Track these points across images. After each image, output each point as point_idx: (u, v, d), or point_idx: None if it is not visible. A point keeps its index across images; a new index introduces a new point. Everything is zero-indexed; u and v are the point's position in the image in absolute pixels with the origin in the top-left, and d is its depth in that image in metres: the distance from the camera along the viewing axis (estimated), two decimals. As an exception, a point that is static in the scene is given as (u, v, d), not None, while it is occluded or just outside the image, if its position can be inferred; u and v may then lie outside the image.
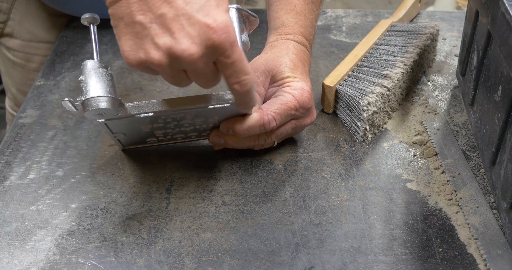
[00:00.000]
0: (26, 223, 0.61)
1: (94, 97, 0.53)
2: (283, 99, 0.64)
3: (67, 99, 0.54)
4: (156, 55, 0.48)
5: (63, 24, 0.97)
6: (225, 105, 0.59)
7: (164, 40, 0.48)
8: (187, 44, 0.48)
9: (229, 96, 0.59)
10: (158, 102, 0.59)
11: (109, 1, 0.50)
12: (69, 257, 0.58)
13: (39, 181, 0.66)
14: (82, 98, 0.54)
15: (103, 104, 0.54)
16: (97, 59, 0.55)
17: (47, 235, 0.60)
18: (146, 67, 0.51)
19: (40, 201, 0.64)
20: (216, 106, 0.59)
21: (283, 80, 0.66)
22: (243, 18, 0.59)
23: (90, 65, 0.55)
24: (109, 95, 0.54)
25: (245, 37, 0.56)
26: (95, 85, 0.54)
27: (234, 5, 0.57)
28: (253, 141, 0.66)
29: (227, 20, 0.48)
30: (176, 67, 0.50)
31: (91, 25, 0.53)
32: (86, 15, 0.53)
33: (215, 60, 0.50)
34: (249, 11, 0.59)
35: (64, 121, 0.75)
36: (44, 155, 0.70)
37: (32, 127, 0.75)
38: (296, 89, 0.65)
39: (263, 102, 0.67)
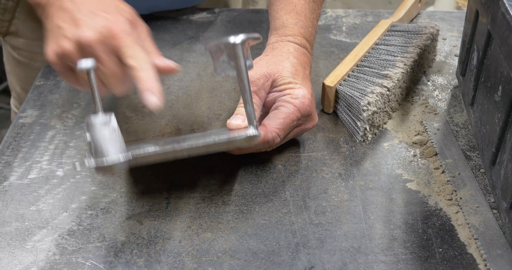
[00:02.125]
0: (26, 223, 0.61)
1: (103, 158, 0.54)
2: (285, 111, 0.64)
3: (77, 162, 0.58)
4: (66, 44, 0.58)
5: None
6: (238, 139, 0.59)
7: (71, 32, 0.58)
8: (88, 33, 0.57)
9: (243, 135, 0.58)
10: (166, 142, 0.59)
11: (43, 18, 0.63)
12: (69, 257, 0.58)
13: (39, 181, 0.66)
14: (92, 160, 0.54)
15: (112, 162, 0.54)
16: (100, 109, 0.55)
17: (47, 235, 0.60)
18: (62, 60, 0.59)
19: (40, 201, 0.64)
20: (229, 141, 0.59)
21: (284, 85, 0.67)
22: (247, 44, 0.60)
23: (94, 121, 0.55)
24: (120, 154, 0.54)
25: (249, 62, 0.57)
26: (102, 144, 0.54)
27: (240, 38, 0.56)
28: (254, 150, 0.67)
29: (123, 20, 0.59)
30: (83, 56, 0.57)
31: (90, 73, 0.53)
32: (83, 65, 0.53)
33: (115, 48, 0.57)
34: (252, 36, 0.59)
35: (64, 121, 0.75)
36: (44, 155, 0.70)
37: (32, 127, 0.75)
38: (297, 98, 0.65)
39: (263, 105, 0.68)
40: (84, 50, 0.57)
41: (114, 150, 0.54)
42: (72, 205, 0.64)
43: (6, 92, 1.15)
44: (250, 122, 0.58)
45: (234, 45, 0.56)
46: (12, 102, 1.09)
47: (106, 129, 0.55)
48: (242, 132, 0.58)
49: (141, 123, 0.75)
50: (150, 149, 0.57)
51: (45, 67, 0.86)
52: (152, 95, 0.56)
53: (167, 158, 0.57)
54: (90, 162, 0.53)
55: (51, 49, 0.59)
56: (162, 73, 0.61)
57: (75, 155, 0.70)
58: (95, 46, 0.57)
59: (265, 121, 0.64)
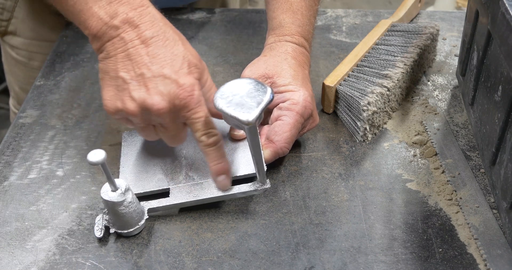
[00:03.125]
0: (26, 223, 0.61)
1: (125, 230, 0.59)
2: (289, 122, 0.64)
3: (100, 235, 0.59)
4: (131, 105, 0.56)
5: (63, 24, 0.97)
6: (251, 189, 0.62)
7: (139, 94, 0.56)
8: (158, 100, 0.55)
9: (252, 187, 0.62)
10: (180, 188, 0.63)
11: (100, 56, 0.58)
12: (69, 257, 0.58)
13: (39, 181, 0.66)
14: (113, 231, 0.60)
15: (134, 233, 0.60)
16: (116, 187, 0.57)
17: (47, 235, 0.60)
18: (122, 115, 0.58)
19: (40, 201, 0.64)
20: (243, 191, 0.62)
21: (283, 87, 0.66)
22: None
23: (111, 200, 0.56)
24: (137, 226, 0.59)
25: (262, 114, 0.56)
26: (122, 220, 0.58)
27: (270, 92, 0.55)
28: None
29: (193, 83, 0.56)
30: (147, 119, 0.57)
31: (101, 165, 0.54)
32: (93, 160, 0.52)
33: (182, 117, 0.57)
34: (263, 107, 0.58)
35: (64, 121, 0.75)
36: (44, 155, 0.70)
37: (32, 127, 0.75)
38: (298, 103, 0.65)
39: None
40: (149, 114, 0.56)
41: (134, 222, 0.59)
42: (72, 205, 0.64)
43: (6, 92, 1.15)
44: (262, 181, 0.61)
45: (248, 126, 0.54)
46: (11, 101, 1.10)
47: (122, 206, 0.57)
48: (256, 185, 0.61)
49: (141, 123, 0.75)
50: (167, 203, 0.61)
51: (45, 67, 0.86)
52: (223, 176, 0.60)
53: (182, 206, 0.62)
54: (114, 229, 0.59)
55: (113, 105, 0.57)
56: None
57: (75, 155, 0.70)
58: (164, 115, 0.56)
59: (273, 136, 0.64)
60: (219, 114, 0.60)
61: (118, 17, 0.57)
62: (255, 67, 0.68)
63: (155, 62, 0.56)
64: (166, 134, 0.60)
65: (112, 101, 0.57)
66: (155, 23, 0.58)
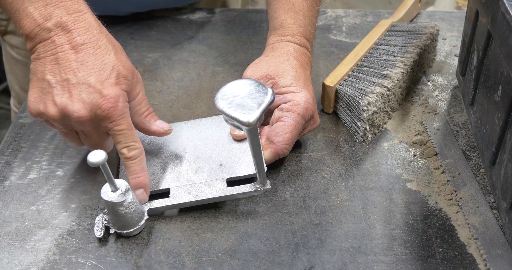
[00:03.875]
0: (26, 223, 0.61)
1: (125, 231, 0.59)
2: (290, 123, 0.64)
3: (100, 236, 0.59)
4: (52, 110, 0.56)
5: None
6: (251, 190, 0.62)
7: (62, 99, 0.56)
8: (79, 107, 0.56)
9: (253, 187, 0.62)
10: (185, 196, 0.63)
11: (32, 57, 0.59)
12: (69, 257, 0.58)
13: (39, 181, 0.66)
14: (115, 230, 0.60)
15: (134, 233, 0.60)
16: (116, 188, 0.57)
17: (47, 235, 0.60)
18: (43, 118, 0.58)
19: (40, 201, 0.64)
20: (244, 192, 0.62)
21: (285, 88, 0.66)
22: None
23: (111, 200, 0.56)
24: (137, 226, 0.60)
25: (262, 115, 0.55)
26: (122, 220, 0.58)
27: (270, 93, 0.55)
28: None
29: (118, 94, 0.57)
30: (67, 125, 0.58)
31: (102, 166, 0.54)
32: (94, 160, 0.52)
33: (104, 128, 0.58)
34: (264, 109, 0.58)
35: (64, 121, 0.75)
36: (44, 155, 0.70)
37: (32, 127, 0.75)
38: (299, 105, 0.65)
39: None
40: (69, 120, 0.57)
41: (134, 222, 0.59)
42: (72, 205, 0.64)
43: (6, 92, 1.15)
44: (262, 181, 0.61)
45: (249, 127, 0.53)
46: (12, 101, 1.10)
47: (122, 207, 0.57)
48: (257, 186, 0.61)
49: (141, 123, 0.75)
50: (167, 203, 0.61)
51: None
52: (140, 190, 0.60)
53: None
54: (114, 229, 0.59)
55: (36, 107, 0.57)
56: (154, 135, 0.65)
57: (75, 155, 0.70)
58: (84, 123, 0.57)
59: (273, 137, 0.64)
60: (150, 131, 0.63)
61: (51, 20, 0.57)
62: (257, 67, 0.68)
63: (83, 69, 0.56)
64: (88, 142, 0.60)
65: (35, 103, 0.57)
66: (89, 30, 0.58)
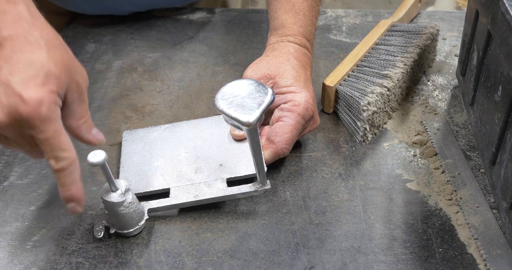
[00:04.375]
0: (26, 223, 0.61)
1: (125, 231, 0.59)
2: (290, 123, 0.64)
3: (100, 236, 0.59)
4: None
5: (63, 24, 0.97)
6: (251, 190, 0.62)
7: None
8: None
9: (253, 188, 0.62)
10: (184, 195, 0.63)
11: None
12: (69, 257, 0.58)
13: (39, 181, 0.66)
14: (114, 230, 0.60)
15: (134, 233, 0.60)
16: (116, 188, 0.57)
17: (47, 235, 0.60)
18: None
19: (40, 201, 0.64)
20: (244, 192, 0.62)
21: (285, 88, 0.66)
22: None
23: (111, 200, 0.56)
24: (137, 226, 0.60)
25: (262, 116, 0.55)
26: (122, 220, 0.58)
27: (270, 93, 0.54)
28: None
29: (42, 98, 0.48)
30: None
31: (102, 166, 0.53)
32: (93, 161, 0.52)
33: (28, 135, 0.50)
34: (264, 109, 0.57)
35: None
36: (44, 155, 0.70)
37: (32, 127, 0.74)
38: (300, 105, 0.65)
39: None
40: None
41: (134, 222, 0.59)
42: (72, 205, 0.64)
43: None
44: (262, 181, 0.61)
45: (249, 127, 0.53)
46: None
47: (122, 207, 0.57)
48: (257, 186, 0.61)
49: (141, 123, 0.75)
50: (167, 203, 0.61)
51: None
52: (72, 204, 0.53)
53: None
54: (114, 229, 0.59)
55: None
56: (86, 143, 0.57)
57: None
58: (4, 129, 0.49)
59: (273, 137, 0.64)
60: (84, 140, 0.56)
61: None
62: (258, 67, 0.68)
63: (6, 67, 0.49)
64: (19, 149, 0.53)
65: None
66: (19, 23, 0.50)
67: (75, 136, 0.56)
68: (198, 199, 0.61)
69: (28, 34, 0.50)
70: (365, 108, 0.68)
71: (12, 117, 0.48)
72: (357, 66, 0.76)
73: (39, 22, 0.52)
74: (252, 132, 0.54)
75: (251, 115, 0.52)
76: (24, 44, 0.50)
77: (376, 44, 0.80)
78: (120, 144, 0.71)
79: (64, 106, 0.52)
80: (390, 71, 0.73)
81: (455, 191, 0.64)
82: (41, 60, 0.50)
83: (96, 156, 0.52)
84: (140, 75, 0.84)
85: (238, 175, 0.63)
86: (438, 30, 0.84)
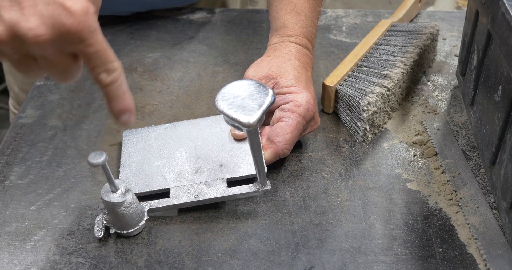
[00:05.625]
0: (26, 223, 0.61)
1: (125, 231, 0.59)
2: (291, 123, 0.64)
3: (100, 236, 0.59)
4: None
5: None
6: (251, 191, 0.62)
7: (10, 14, 0.42)
8: (36, 23, 0.42)
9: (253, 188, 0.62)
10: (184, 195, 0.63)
11: None
12: (69, 257, 0.58)
13: (39, 181, 0.66)
14: (114, 230, 0.60)
15: (134, 233, 0.60)
16: (116, 189, 0.57)
17: (47, 235, 0.60)
18: None
19: (40, 201, 0.64)
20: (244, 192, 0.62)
21: (286, 88, 0.66)
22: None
23: (111, 200, 0.56)
24: (137, 226, 0.60)
25: (263, 116, 0.55)
26: (122, 220, 0.58)
27: (271, 94, 0.54)
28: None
29: (87, 7, 0.43)
30: (21, 49, 0.44)
31: (102, 166, 0.53)
32: (94, 161, 0.51)
33: (74, 49, 0.44)
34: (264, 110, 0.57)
35: (64, 121, 0.75)
36: (44, 155, 0.70)
37: (32, 127, 0.75)
38: (300, 105, 0.65)
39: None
40: (23, 42, 0.42)
41: (134, 222, 0.59)
42: (72, 205, 0.64)
43: (6, 92, 1.15)
44: (263, 182, 0.61)
45: (249, 128, 0.53)
46: (10, 102, 1.10)
47: (123, 207, 0.57)
48: (257, 187, 0.61)
49: (141, 123, 0.75)
50: (167, 203, 0.61)
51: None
52: (127, 114, 0.50)
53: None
54: (114, 229, 0.59)
55: None
56: None
57: (75, 155, 0.70)
58: (44, 45, 0.43)
59: (274, 137, 0.64)
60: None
61: None
62: (259, 67, 0.68)
63: None
64: (51, 69, 0.46)
65: None
66: None
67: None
68: (198, 199, 0.61)
69: None
70: (365, 108, 0.68)
71: (57, 30, 0.42)
72: (357, 66, 0.76)
73: None
74: (252, 133, 0.54)
75: (252, 116, 0.52)
76: None
77: (376, 44, 0.80)
78: (120, 144, 0.71)
79: None
80: (390, 71, 0.73)
81: (455, 191, 0.64)
82: None
83: (97, 156, 0.52)
84: (140, 75, 0.84)
85: (238, 176, 0.63)
86: (438, 30, 0.84)
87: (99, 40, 0.44)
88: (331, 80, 0.73)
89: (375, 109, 0.69)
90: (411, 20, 0.95)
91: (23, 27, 0.42)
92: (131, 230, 0.59)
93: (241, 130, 0.54)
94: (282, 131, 0.64)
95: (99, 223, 0.59)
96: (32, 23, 0.41)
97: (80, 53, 0.45)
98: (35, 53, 0.44)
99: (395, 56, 0.77)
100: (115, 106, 0.48)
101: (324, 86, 0.74)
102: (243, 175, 0.63)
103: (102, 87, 0.47)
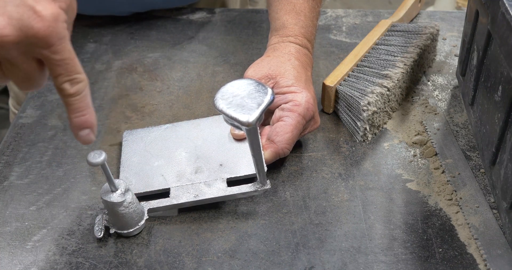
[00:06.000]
0: (26, 223, 0.61)
1: (125, 231, 0.59)
2: (291, 123, 0.64)
3: (100, 236, 0.59)
4: None
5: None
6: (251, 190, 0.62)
7: None
8: (3, 23, 0.41)
9: (253, 187, 0.62)
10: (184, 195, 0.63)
11: None
12: (69, 257, 0.58)
13: (39, 181, 0.66)
14: (114, 230, 0.60)
15: (134, 233, 0.60)
16: (116, 188, 0.57)
17: (47, 235, 0.60)
18: None
19: (40, 201, 0.64)
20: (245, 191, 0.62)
21: (286, 88, 0.66)
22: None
23: (111, 200, 0.56)
24: (137, 226, 0.60)
25: (262, 115, 0.55)
26: (122, 220, 0.58)
27: (270, 93, 0.54)
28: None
29: (57, 13, 0.43)
30: None
31: (102, 166, 0.53)
32: (93, 160, 0.51)
33: (38, 55, 0.44)
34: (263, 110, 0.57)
35: (64, 121, 0.75)
36: (44, 155, 0.70)
37: (32, 127, 0.75)
38: (300, 105, 0.65)
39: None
40: None
41: (134, 222, 0.59)
42: (72, 205, 0.64)
43: (6, 92, 1.15)
44: (262, 181, 0.61)
45: (248, 127, 0.53)
46: (11, 102, 1.10)
47: (122, 207, 0.57)
48: (257, 186, 0.61)
49: (141, 123, 0.75)
50: (167, 203, 0.61)
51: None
52: (86, 131, 0.49)
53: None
54: (114, 229, 0.59)
55: None
56: None
57: (75, 155, 0.70)
58: (9, 46, 0.42)
59: (274, 137, 0.64)
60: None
61: None
62: (259, 67, 0.68)
63: None
64: (14, 73, 0.45)
65: None
66: None
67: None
68: (198, 199, 0.61)
69: None
70: (365, 108, 0.68)
71: (24, 33, 0.42)
72: (357, 66, 0.76)
73: None
74: (251, 132, 0.54)
75: (251, 115, 0.52)
76: None
77: (376, 44, 0.80)
78: (120, 144, 0.71)
79: None
80: (390, 71, 0.73)
81: (455, 191, 0.64)
82: None
83: (96, 156, 0.52)
84: (140, 75, 0.84)
85: (238, 175, 0.63)
86: (438, 30, 0.84)
87: (67, 49, 0.44)
88: (331, 80, 0.73)
89: (375, 109, 0.69)
90: (411, 20, 0.95)
91: None
92: (131, 230, 0.59)
93: (241, 129, 0.54)
94: (282, 131, 0.64)
95: (99, 223, 0.59)
96: (0, 23, 0.41)
97: (45, 59, 0.44)
98: (3, 54, 0.43)
99: (395, 56, 0.77)
100: (74, 119, 0.48)
101: (324, 86, 0.74)
102: (243, 174, 0.63)
103: (64, 97, 0.46)
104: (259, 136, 0.59)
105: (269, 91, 0.54)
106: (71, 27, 0.47)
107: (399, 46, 0.79)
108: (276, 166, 0.68)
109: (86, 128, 0.48)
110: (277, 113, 0.66)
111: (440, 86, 0.81)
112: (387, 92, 0.71)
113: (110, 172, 0.54)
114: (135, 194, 0.60)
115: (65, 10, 0.44)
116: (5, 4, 0.41)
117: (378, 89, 0.70)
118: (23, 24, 0.42)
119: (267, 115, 0.67)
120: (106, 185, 0.57)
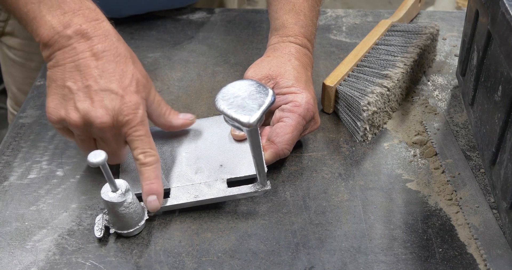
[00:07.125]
0: (26, 223, 0.61)
1: (125, 231, 0.59)
2: (291, 124, 0.64)
3: (100, 236, 0.59)
4: (74, 116, 0.56)
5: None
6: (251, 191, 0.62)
7: (84, 105, 0.56)
8: (102, 113, 0.56)
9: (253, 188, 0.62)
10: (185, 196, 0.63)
11: (49, 64, 0.59)
12: (69, 257, 0.58)
13: (39, 181, 0.66)
14: (115, 230, 0.60)
15: (134, 233, 0.60)
16: (117, 188, 0.57)
17: (47, 235, 0.60)
18: (63, 125, 0.58)
19: (40, 201, 0.64)
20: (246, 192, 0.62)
21: (286, 88, 0.66)
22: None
23: (111, 200, 0.56)
24: (139, 224, 0.60)
25: (263, 116, 0.55)
26: (122, 220, 0.58)
27: (271, 94, 0.54)
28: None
29: (139, 102, 0.58)
30: (87, 131, 0.58)
31: (102, 166, 0.53)
32: (93, 160, 0.52)
33: (123, 134, 0.58)
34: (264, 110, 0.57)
35: (64, 121, 0.75)
36: (44, 155, 0.70)
37: (32, 127, 0.75)
38: (300, 105, 0.65)
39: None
40: (91, 127, 0.57)
41: (134, 222, 0.59)
42: (72, 205, 0.64)
43: (6, 92, 1.15)
44: (263, 182, 0.61)
45: (249, 128, 0.53)
46: (9, 102, 1.09)
47: (122, 207, 0.57)
48: (257, 187, 0.61)
49: (141, 123, 0.75)
50: (167, 203, 0.61)
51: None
52: (153, 197, 0.59)
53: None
54: (114, 229, 0.59)
55: (57, 113, 0.57)
56: (181, 128, 0.67)
57: (75, 155, 0.70)
58: (105, 129, 0.57)
59: (274, 138, 0.64)
60: (179, 125, 0.66)
61: (71, 28, 0.58)
62: (259, 67, 0.68)
63: (104, 76, 0.57)
64: (106, 149, 0.59)
65: (56, 109, 0.58)
66: (108, 38, 0.59)
67: (169, 127, 0.66)
68: (198, 199, 0.61)
69: (117, 48, 0.59)
70: (365, 108, 0.68)
71: (115, 118, 0.57)
72: (357, 66, 0.76)
73: (120, 37, 0.61)
74: (252, 133, 0.54)
75: (252, 116, 0.52)
76: (116, 56, 0.58)
77: (376, 44, 0.80)
78: (120, 144, 0.71)
79: (150, 109, 0.61)
80: (390, 71, 0.73)
81: (455, 191, 0.64)
82: (131, 71, 0.59)
83: (96, 156, 0.52)
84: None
85: (238, 176, 0.63)
86: (438, 30, 0.84)
87: (145, 128, 0.59)
88: (331, 80, 0.73)
89: (375, 109, 0.69)
90: (411, 20, 0.95)
91: (92, 116, 0.56)
92: (131, 230, 0.59)
93: (241, 130, 0.54)
94: (282, 132, 0.64)
95: (99, 223, 0.59)
96: (100, 113, 0.56)
97: (127, 136, 0.58)
98: (96, 135, 0.58)
99: (395, 56, 0.77)
100: (145, 186, 0.59)
101: (324, 86, 0.74)
102: (243, 175, 0.63)
103: (139, 166, 0.59)
104: (260, 137, 0.59)
105: (270, 92, 0.54)
106: (153, 92, 0.62)
107: (399, 46, 0.79)
108: (276, 166, 0.68)
109: (153, 194, 0.59)
110: (277, 113, 0.66)
111: (440, 86, 0.81)
112: (387, 92, 0.71)
113: (110, 172, 0.54)
114: (135, 194, 0.60)
115: (145, 98, 0.60)
116: (102, 99, 0.56)
117: (378, 89, 0.70)
118: (115, 113, 0.57)
119: (267, 116, 0.67)
120: (107, 185, 0.57)
